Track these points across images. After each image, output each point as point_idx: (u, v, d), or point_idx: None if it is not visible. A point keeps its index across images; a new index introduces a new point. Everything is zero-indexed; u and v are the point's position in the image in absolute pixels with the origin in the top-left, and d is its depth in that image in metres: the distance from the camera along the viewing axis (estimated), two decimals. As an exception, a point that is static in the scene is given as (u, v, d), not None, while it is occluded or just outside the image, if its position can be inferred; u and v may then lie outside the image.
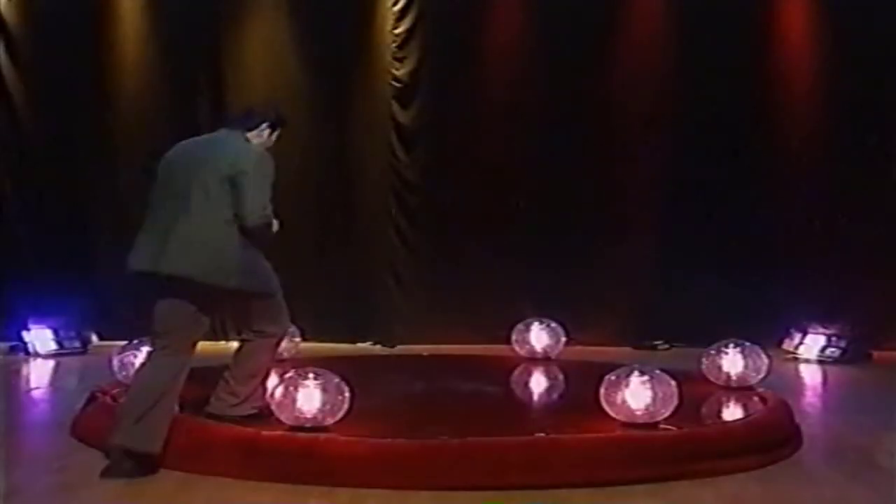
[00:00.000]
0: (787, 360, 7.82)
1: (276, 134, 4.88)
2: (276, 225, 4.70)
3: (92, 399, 5.23)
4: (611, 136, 8.40)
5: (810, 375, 7.51)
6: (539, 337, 6.97)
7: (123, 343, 5.70)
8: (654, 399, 4.67)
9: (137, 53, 8.37)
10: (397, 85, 8.36)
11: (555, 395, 6.52)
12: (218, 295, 4.55)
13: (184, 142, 4.84)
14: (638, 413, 4.68)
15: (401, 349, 8.08)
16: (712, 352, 5.87)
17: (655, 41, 8.42)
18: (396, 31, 8.34)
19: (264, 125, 4.81)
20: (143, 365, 4.81)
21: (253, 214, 4.48)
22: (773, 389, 5.67)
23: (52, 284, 7.91)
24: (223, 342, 8.15)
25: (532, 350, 6.97)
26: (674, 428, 4.67)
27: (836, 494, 4.29)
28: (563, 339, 6.98)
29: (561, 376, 6.60)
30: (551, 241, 8.23)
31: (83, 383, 6.16)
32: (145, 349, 5.50)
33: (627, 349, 8.10)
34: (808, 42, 8.43)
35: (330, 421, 4.55)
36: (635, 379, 4.70)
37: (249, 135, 4.77)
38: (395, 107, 8.38)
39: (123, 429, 4.38)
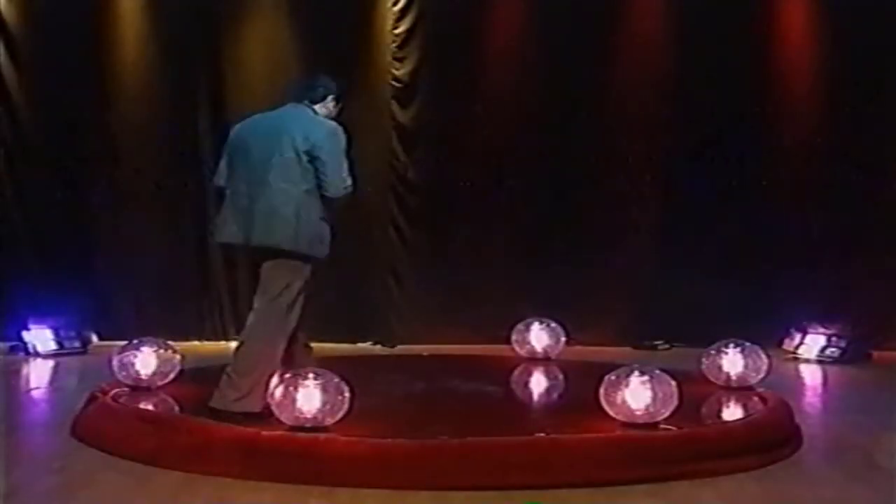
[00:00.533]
0: (787, 360, 7.81)
1: (339, 105, 5.14)
2: None
3: (92, 399, 5.23)
4: (611, 135, 8.39)
5: (810, 375, 7.50)
6: (539, 337, 6.97)
7: (123, 343, 5.70)
8: (654, 399, 4.68)
9: (137, 53, 8.35)
10: (397, 85, 8.36)
11: (555, 395, 6.52)
12: (284, 258, 4.83)
13: (252, 117, 5.09)
14: (638, 413, 4.68)
15: (401, 349, 8.08)
16: (712, 352, 5.86)
17: (655, 41, 8.40)
18: (396, 31, 8.34)
19: (330, 97, 5.08)
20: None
21: (335, 186, 4.83)
22: (773, 389, 5.67)
23: (52, 284, 7.91)
24: (223, 342, 8.20)
25: (532, 350, 6.97)
26: (674, 428, 4.67)
27: (836, 494, 4.29)
28: (563, 339, 6.98)
29: (561, 376, 6.60)
30: (551, 241, 8.24)
31: (83, 383, 6.15)
32: (145, 349, 5.53)
33: (627, 349, 8.09)
34: (808, 42, 8.42)
35: (330, 421, 4.55)
36: (635, 379, 4.71)
37: (316, 107, 5.02)
38: (395, 107, 8.37)
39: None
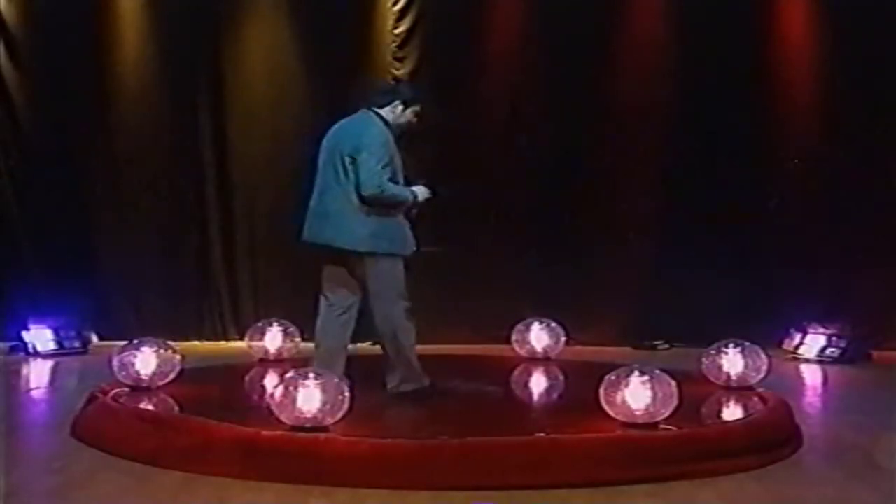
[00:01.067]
0: (787, 360, 7.81)
1: (410, 110, 5.35)
2: (424, 192, 5.33)
3: (92, 399, 5.22)
4: (611, 135, 8.38)
5: (810, 375, 7.50)
6: (539, 337, 6.96)
7: (123, 343, 5.69)
8: (654, 399, 4.67)
9: (137, 53, 8.35)
10: (397, 85, 8.37)
11: (555, 395, 6.51)
12: (355, 258, 5.18)
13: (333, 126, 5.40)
14: (638, 413, 4.67)
15: (401, 349, 8.06)
16: (712, 352, 5.86)
17: (656, 41, 8.40)
18: (396, 31, 8.34)
19: (396, 101, 5.29)
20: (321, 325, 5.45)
21: (365, 185, 5.07)
22: (773, 389, 5.66)
23: (52, 284, 7.92)
24: (223, 342, 8.20)
25: (532, 350, 6.96)
26: (674, 428, 4.67)
27: (836, 494, 4.29)
28: (563, 339, 6.97)
29: (561, 376, 6.59)
30: (551, 241, 8.24)
31: (83, 383, 6.14)
32: (145, 349, 5.53)
33: (627, 349, 8.08)
34: (808, 42, 8.42)
35: (330, 421, 4.55)
36: (635, 379, 4.70)
37: (383, 111, 5.26)
38: (395, 106, 8.37)
39: None
